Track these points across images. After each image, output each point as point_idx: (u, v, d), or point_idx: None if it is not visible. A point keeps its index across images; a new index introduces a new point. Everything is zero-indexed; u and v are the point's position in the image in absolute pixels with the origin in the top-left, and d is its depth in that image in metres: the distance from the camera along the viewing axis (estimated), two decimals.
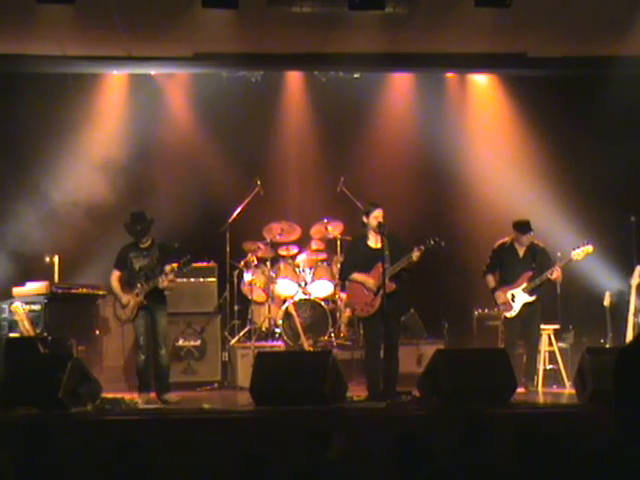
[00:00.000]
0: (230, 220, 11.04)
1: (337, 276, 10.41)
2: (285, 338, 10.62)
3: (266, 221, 11.18)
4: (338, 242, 11.19)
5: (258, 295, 10.95)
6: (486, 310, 11.03)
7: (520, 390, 8.70)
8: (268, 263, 11.03)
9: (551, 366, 10.07)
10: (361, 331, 10.18)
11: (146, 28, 10.23)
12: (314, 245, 11.27)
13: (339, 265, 10.53)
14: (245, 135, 11.86)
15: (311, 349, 10.44)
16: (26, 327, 9.90)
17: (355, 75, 11.97)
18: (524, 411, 7.98)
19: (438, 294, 11.36)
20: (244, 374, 9.94)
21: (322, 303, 10.76)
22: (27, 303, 10.17)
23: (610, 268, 11.08)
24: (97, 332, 10.69)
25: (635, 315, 9.78)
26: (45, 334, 9.94)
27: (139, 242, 9.19)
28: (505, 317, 9.68)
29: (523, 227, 9.69)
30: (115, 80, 11.89)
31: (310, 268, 10.99)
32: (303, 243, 11.38)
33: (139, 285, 9.03)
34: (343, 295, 10.61)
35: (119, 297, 9.15)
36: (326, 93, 12.02)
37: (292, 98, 12.28)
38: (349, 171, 11.66)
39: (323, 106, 12.09)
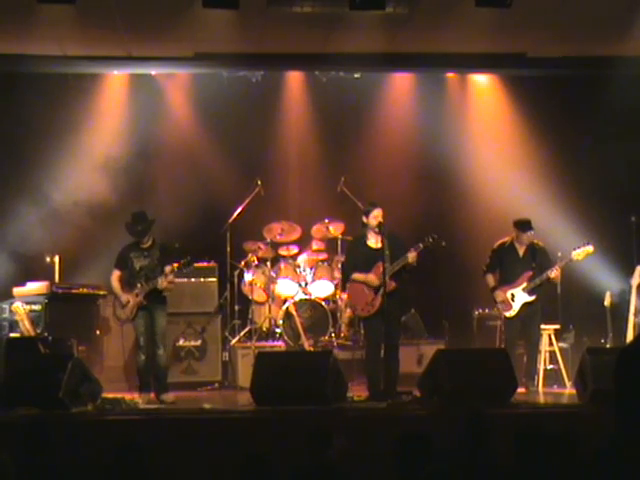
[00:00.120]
0: (231, 220, 11.05)
1: (341, 279, 10.47)
2: (286, 338, 10.62)
3: (267, 221, 11.17)
4: (339, 242, 11.18)
5: (259, 295, 10.95)
6: (486, 310, 11.02)
7: (520, 390, 8.70)
8: (269, 263, 11.04)
9: (551, 366, 10.07)
10: (362, 331, 10.17)
11: (147, 28, 10.22)
12: (315, 245, 11.27)
13: (340, 266, 10.55)
14: (246, 135, 11.84)
15: (312, 349, 10.44)
16: (27, 327, 9.89)
17: (355, 75, 11.95)
18: (524, 411, 7.97)
19: (438, 294, 11.40)
20: (244, 374, 9.94)
21: (323, 303, 10.76)
22: (28, 303, 10.15)
23: (610, 268, 11.08)
24: (98, 332, 10.69)
25: (635, 315, 9.78)
26: (46, 334, 9.93)
27: (140, 242, 9.19)
28: (505, 317, 9.67)
29: (524, 225, 9.68)
30: (116, 80, 11.87)
31: (311, 268, 10.99)
32: (304, 243, 11.38)
33: (139, 285, 9.03)
34: (344, 295, 10.61)
35: (119, 296, 9.16)
36: (327, 93, 12.01)
37: (292, 98, 12.27)
38: (350, 171, 11.65)
39: (323, 106, 12.08)
